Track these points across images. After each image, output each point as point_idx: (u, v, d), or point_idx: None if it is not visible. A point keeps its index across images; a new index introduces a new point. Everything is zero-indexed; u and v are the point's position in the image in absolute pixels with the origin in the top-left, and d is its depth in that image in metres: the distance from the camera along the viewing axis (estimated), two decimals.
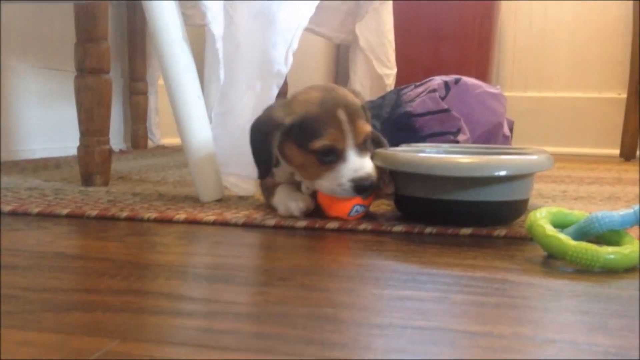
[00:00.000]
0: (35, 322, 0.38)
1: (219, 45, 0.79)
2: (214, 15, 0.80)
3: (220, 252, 0.61)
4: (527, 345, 0.35)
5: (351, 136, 0.69)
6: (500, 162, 0.66)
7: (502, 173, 0.65)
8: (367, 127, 0.71)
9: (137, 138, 1.82)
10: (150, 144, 1.87)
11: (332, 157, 0.69)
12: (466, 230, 0.66)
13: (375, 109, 1.35)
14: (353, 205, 0.70)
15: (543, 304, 0.43)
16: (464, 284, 0.48)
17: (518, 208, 0.70)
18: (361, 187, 0.68)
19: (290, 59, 0.82)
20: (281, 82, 0.82)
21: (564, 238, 0.53)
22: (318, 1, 0.85)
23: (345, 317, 0.40)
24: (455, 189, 0.66)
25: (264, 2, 0.82)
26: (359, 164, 0.69)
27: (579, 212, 0.60)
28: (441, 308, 0.42)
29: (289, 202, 0.72)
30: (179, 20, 0.80)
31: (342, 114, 0.69)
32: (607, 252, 0.52)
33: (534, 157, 0.69)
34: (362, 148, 0.70)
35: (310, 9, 0.84)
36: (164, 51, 0.79)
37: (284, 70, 0.82)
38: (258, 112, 0.84)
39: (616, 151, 2.00)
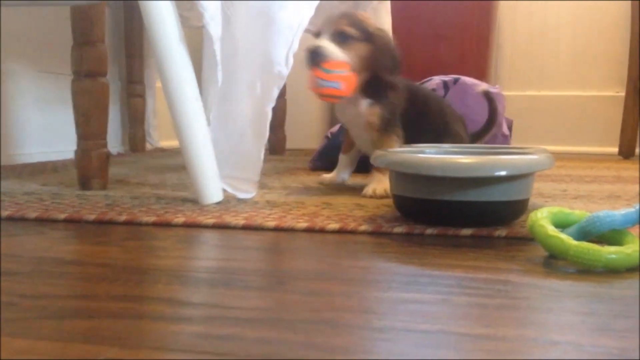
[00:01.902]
0: (33, 329, 0.37)
1: (217, 46, 0.79)
2: (212, 16, 0.79)
3: (219, 255, 0.60)
4: (530, 347, 0.35)
5: (330, 26, 0.89)
6: (500, 162, 0.66)
7: (503, 173, 0.65)
8: (342, 25, 0.89)
9: (135, 141, 1.81)
10: (148, 146, 1.87)
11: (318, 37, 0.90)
12: (467, 231, 0.66)
13: None
14: (316, 77, 0.87)
15: (546, 305, 0.43)
16: (466, 285, 0.47)
17: (519, 208, 0.70)
18: (309, 51, 0.87)
19: (291, 60, 0.81)
20: (282, 83, 0.82)
21: (566, 238, 0.53)
22: (318, 1, 0.84)
23: (347, 320, 0.39)
24: (455, 189, 0.66)
25: (263, 2, 0.82)
26: (320, 42, 0.88)
27: (579, 212, 0.60)
28: (444, 310, 0.41)
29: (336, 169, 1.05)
30: (177, 22, 0.79)
31: (338, 16, 0.90)
32: (609, 252, 0.51)
33: (534, 156, 0.68)
34: (335, 39, 0.89)
35: (310, 9, 0.84)
36: (161, 53, 0.79)
37: (285, 71, 0.81)
38: (257, 113, 0.84)
39: (615, 149, 2.00)
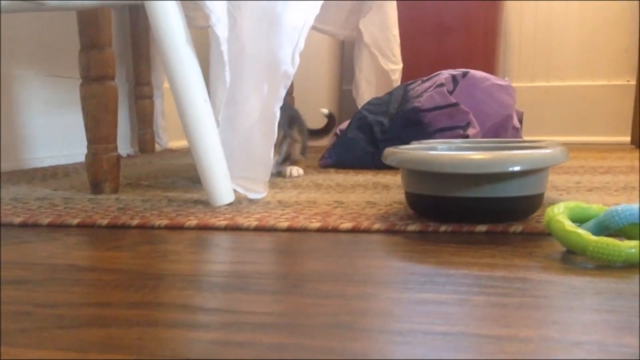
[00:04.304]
0: (50, 339, 0.37)
1: (224, 47, 0.78)
2: (218, 17, 0.79)
3: (233, 258, 0.60)
4: (554, 348, 0.34)
5: None
6: (514, 157, 0.65)
7: (517, 168, 0.64)
8: None
9: (145, 142, 1.81)
10: (157, 147, 1.87)
11: None
12: (482, 228, 0.65)
13: (382, 105, 1.34)
14: None
15: (567, 303, 0.42)
16: (484, 284, 0.47)
17: (534, 203, 0.69)
18: None
19: (297, 59, 0.81)
20: (289, 83, 0.81)
21: (584, 233, 0.52)
22: (323, 0, 0.84)
23: (365, 324, 0.39)
24: (468, 185, 0.65)
25: (268, 2, 0.81)
26: None
27: (597, 206, 0.59)
28: (463, 311, 0.41)
29: None
30: (183, 23, 0.79)
31: None
32: (629, 246, 0.50)
33: (549, 150, 0.68)
34: None
35: (315, 7, 0.83)
36: (168, 55, 0.78)
37: (291, 70, 0.81)
38: (265, 114, 0.83)
39: (627, 138, 1.98)
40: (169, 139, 1.91)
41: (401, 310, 0.42)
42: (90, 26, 0.92)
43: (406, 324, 0.38)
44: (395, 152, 0.71)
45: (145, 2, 0.77)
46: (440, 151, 0.76)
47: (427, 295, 0.44)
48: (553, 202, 0.59)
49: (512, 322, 0.38)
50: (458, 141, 0.86)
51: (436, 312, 0.41)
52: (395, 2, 1.69)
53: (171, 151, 1.85)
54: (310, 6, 0.82)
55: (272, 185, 0.99)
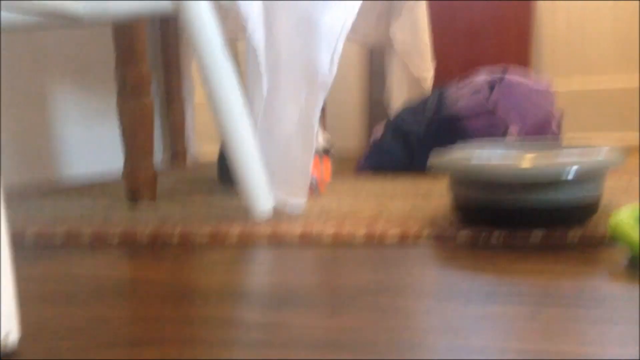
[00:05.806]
0: (106, 358, 0.36)
1: (262, 58, 0.77)
2: (254, 27, 0.77)
3: (279, 270, 0.58)
4: None
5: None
6: (570, 165, 0.62)
7: (570, 176, 0.61)
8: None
9: (177, 155, 1.81)
10: (189, 160, 1.87)
11: None
12: (538, 233, 0.62)
13: (416, 113, 1.31)
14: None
15: None
16: (553, 295, 0.44)
17: (591, 206, 0.65)
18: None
19: (336, 65, 0.79)
20: (327, 89, 0.79)
21: None
22: (360, 1, 0.82)
23: (432, 341, 0.36)
24: (520, 192, 0.62)
25: (304, 8, 0.79)
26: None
27: None
28: (535, 326, 0.38)
29: None
30: (220, 35, 0.78)
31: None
32: None
33: (602, 157, 0.64)
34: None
35: (353, 9, 0.81)
36: (207, 67, 0.77)
37: (329, 78, 0.79)
38: (304, 124, 0.81)
39: None
40: (200, 151, 1.91)
41: (468, 325, 0.39)
42: (125, 41, 0.91)
43: (478, 341, 0.36)
44: (442, 160, 0.69)
45: (181, 2, 0.76)
46: (487, 154, 0.73)
47: (494, 309, 0.42)
48: (608, 204, 0.56)
49: (592, 339, 0.36)
50: (506, 144, 0.83)
51: (507, 327, 0.38)
52: (425, 5, 1.67)
53: (203, 164, 1.85)
54: (348, 8, 0.80)
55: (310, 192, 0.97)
